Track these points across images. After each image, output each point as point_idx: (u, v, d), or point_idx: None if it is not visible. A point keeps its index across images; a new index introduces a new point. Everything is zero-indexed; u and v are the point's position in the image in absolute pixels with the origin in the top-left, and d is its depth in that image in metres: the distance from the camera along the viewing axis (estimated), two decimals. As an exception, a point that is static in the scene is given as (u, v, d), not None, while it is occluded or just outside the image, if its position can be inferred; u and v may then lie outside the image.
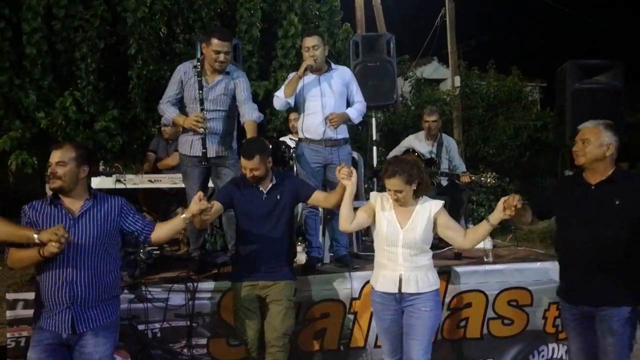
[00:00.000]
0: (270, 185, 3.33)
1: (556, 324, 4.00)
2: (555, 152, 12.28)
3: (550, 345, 4.03)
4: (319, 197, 3.40)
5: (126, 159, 7.22)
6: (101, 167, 7.39)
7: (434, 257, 4.25)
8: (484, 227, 2.92)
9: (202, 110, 3.71)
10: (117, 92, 6.90)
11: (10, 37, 6.31)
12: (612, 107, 4.81)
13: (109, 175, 4.51)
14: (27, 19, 6.26)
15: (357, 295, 3.77)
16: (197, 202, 2.77)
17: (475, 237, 2.97)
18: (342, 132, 4.08)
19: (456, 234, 3.02)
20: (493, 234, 4.36)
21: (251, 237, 3.30)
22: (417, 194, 3.00)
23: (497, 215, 2.84)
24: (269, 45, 7.56)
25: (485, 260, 4.10)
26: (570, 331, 2.99)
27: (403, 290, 2.94)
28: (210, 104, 3.79)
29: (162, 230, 2.89)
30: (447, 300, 3.88)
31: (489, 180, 4.74)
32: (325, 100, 3.97)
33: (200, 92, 3.72)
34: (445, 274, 3.88)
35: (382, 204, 3.04)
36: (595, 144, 2.79)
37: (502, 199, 2.82)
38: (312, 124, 4.00)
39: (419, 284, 2.94)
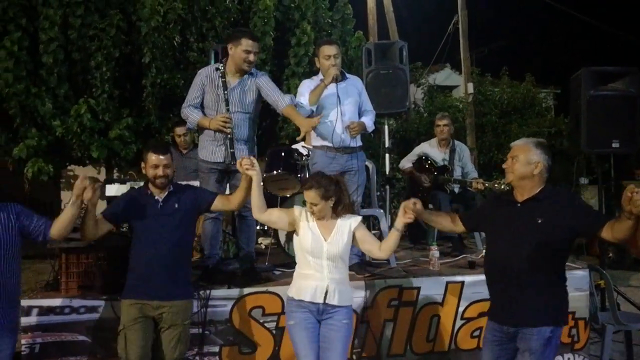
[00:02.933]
0: (166, 193, 3.15)
1: (571, 334, 3.96)
2: (570, 159, 12.19)
3: (566, 356, 3.98)
4: (222, 202, 3.26)
5: (140, 166, 7.28)
6: (115, 175, 7.47)
7: (449, 265, 4.27)
8: (392, 235, 2.98)
9: (227, 110, 3.72)
10: (131, 100, 6.99)
11: (27, 46, 6.43)
12: (627, 115, 4.77)
13: (123, 182, 4.54)
14: (44, 28, 6.37)
15: (369, 304, 3.75)
16: (79, 182, 2.77)
17: (387, 246, 3.00)
18: (358, 140, 4.09)
19: (372, 246, 3.05)
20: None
21: (144, 250, 3.07)
22: (337, 212, 3.04)
23: (399, 220, 2.91)
24: (281, 54, 7.61)
25: (500, 269, 4.05)
26: (487, 351, 2.87)
27: (327, 301, 2.94)
28: (233, 105, 3.78)
29: (58, 222, 2.87)
30: (461, 309, 3.86)
31: (502, 187, 4.69)
32: (342, 108, 3.97)
33: (225, 92, 3.73)
34: (459, 283, 3.85)
35: (306, 218, 3.05)
36: (523, 161, 2.73)
37: (403, 203, 2.89)
38: (329, 131, 3.98)
39: (341, 297, 2.97)
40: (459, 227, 3.08)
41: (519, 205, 2.76)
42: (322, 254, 2.96)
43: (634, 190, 2.28)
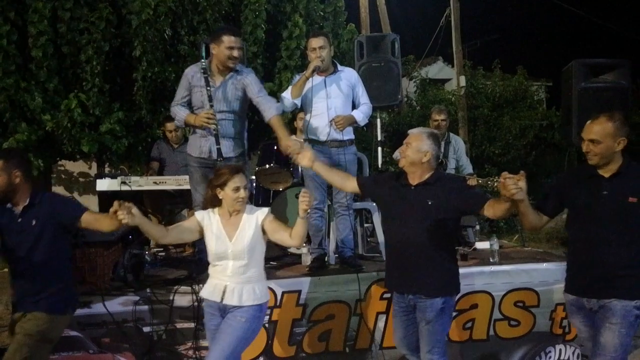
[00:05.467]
0: (23, 207, 2.98)
1: (563, 325, 3.98)
2: (561, 152, 12.24)
3: (558, 347, 4.01)
4: (90, 221, 3.00)
5: (131, 160, 7.24)
6: (107, 169, 7.43)
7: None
8: (298, 223, 2.95)
9: (211, 107, 3.69)
10: (122, 94, 6.92)
11: (16, 40, 6.34)
12: (618, 106, 4.77)
13: (114, 177, 4.52)
14: (33, 21, 6.29)
15: (362, 297, 3.76)
16: None
17: (296, 233, 2.98)
18: (348, 134, 4.07)
19: (283, 235, 3.03)
20: (499, 234, 4.35)
21: (11, 262, 3.01)
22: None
23: (300, 209, 2.92)
24: (273, 47, 7.57)
25: (492, 260, 4.08)
26: (397, 321, 3.20)
27: (225, 302, 2.93)
28: (219, 104, 3.75)
29: None
30: (453, 301, 3.88)
31: (495, 185, 4.70)
32: (331, 101, 3.97)
33: (208, 89, 3.69)
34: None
35: (210, 222, 3.03)
36: (414, 148, 2.99)
37: (300, 194, 2.93)
38: (317, 125, 3.99)
39: (242, 297, 2.93)
40: (349, 187, 3.33)
41: (412, 188, 3.04)
42: (227, 254, 2.96)
43: (507, 176, 2.61)
